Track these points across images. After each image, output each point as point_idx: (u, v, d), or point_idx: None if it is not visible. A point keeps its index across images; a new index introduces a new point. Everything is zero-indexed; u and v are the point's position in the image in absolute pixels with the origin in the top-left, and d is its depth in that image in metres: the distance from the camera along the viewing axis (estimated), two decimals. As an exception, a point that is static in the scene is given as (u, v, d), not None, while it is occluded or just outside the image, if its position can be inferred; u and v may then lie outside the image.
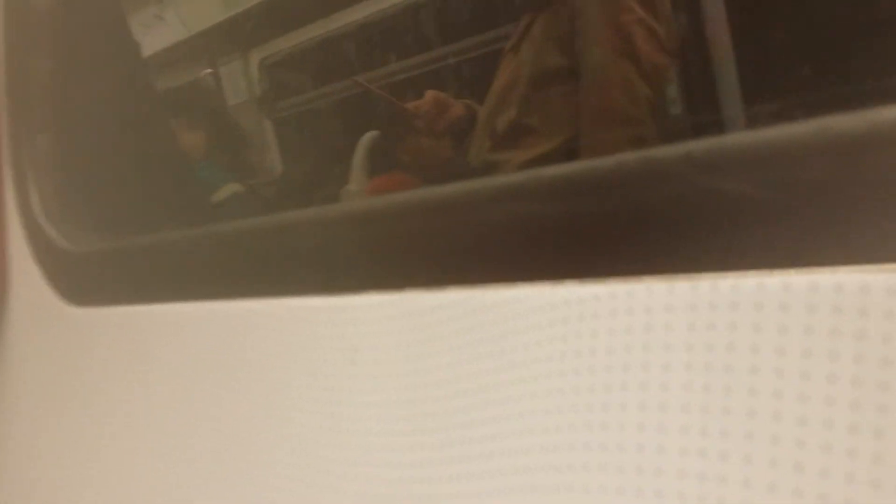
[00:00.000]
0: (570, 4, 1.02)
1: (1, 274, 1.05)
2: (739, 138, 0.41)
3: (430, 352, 0.56)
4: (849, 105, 0.38)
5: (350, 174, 1.40)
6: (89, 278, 0.94)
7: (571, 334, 0.47)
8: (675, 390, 0.43)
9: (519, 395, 0.50)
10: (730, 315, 0.40)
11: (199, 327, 0.79)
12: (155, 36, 2.07)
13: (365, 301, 0.60)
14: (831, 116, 0.38)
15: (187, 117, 1.89)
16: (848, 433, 0.37)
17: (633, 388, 0.44)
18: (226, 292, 0.76)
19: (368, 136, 1.40)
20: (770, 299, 0.39)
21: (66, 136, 1.05)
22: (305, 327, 0.65)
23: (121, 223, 1.03)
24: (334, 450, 0.63)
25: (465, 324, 0.53)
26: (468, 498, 0.52)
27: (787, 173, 0.40)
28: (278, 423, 0.69)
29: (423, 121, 1.17)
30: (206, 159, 1.90)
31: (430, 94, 1.18)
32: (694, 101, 1.06)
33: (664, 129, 1.02)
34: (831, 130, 0.38)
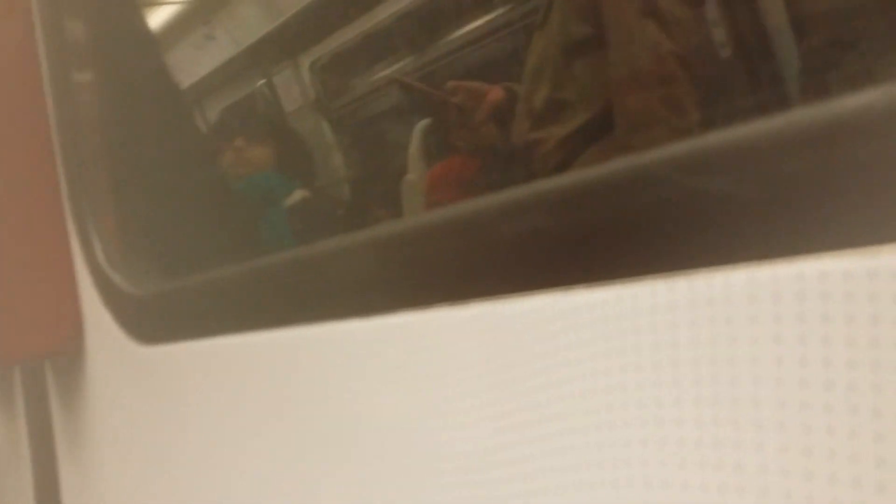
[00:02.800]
0: None
1: (77, 320, 1.11)
2: (717, 137, 0.42)
3: (458, 366, 0.58)
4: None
5: (408, 164, 1.40)
6: (154, 318, 0.99)
7: (585, 339, 0.49)
8: (686, 385, 0.44)
9: (542, 401, 0.52)
10: (726, 309, 0.42)
11: (261, 356, 0.83)
12: (208, 55, 2.13)
13: (399, 320, 0.63)
14: (800, 109, 0.39)
15: (250, 132, 1.94)
16: (849, 414, 0.38)
17: (648, 385, 0.46)
18: (280, 320, 0.80)
19: (422, 125, 1.39)
20: (762, 291, 0.40)
21: (120, 184, 1.11)
22: (348, 348, 0.68)
23: (180, 262, 1.09)
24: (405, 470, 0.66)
25: (485, 338, 0.55)
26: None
27: (766, 168, 0.41)
28: (349, 444, 0.72)
29: (463, 114, 1.18)
30: (272, 170, 1.94)
31: (461, 88, 1.19)
32: (744, 42, 1.01)
33: (713, 76, 0.99)
34: (801, 123, 0.39)
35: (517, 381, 0.54)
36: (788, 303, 0.39)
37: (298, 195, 1.82)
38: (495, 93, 1.17)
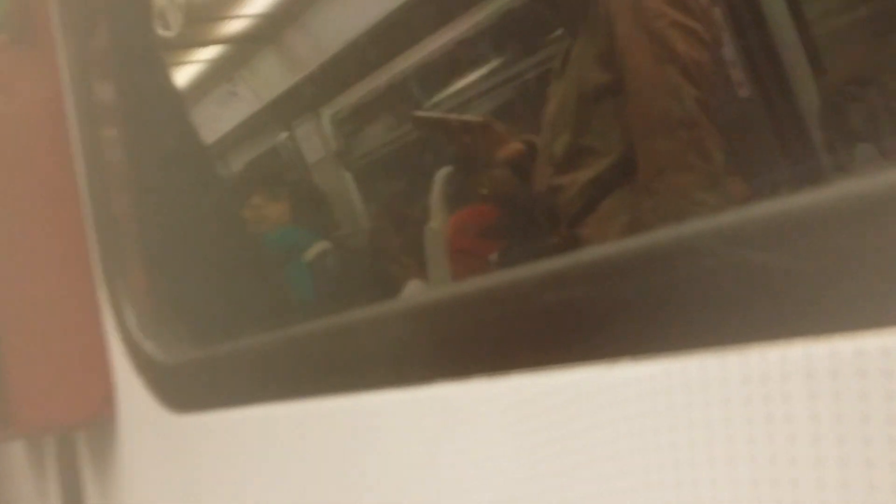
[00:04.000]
0: (604, 21, 1.02)
1: (109, 389, 1.11)
2: (763, 209, 0.41)
3: (498, 439, 0.57)
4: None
5: (430, 212, 1.39)
6: (187, 386, 0.98)
7: (631, 415, 0.47)
8: (741, 464, 0.42)
9: (584, 478, 0.50)
10: (782, 385, 0.40)
11: (292, 427, 0.82)
12: (232, 111, 2.15)
13: (433, 393, 0.61)
14: (850, 180, 0.38)
15: (270, 188, 1.94)
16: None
17: (702, 463, 0.44)
18: (312, 390, 0.79)
19: (444, 172, 1.39)
20: (819, 367, 0.39)
21: (151, 249, 1.11)
22: (384, 420, 0.67)
23: (212, 329, 1.08)
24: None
25: (531, 410, 0.54)
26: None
27: (813, 241, 0.40)
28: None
29: (472, 149, 1.18)
30: (292, 225, 1.93)
31: (477, 124, 1.19)
32: (761, 80, 1.02)
33: (733, 115, 1.00)
34: (853, 193, 0.37)
35: (556, 455, 0.52)
36: (847, 378, 0.38)
37: (318, 248, 1.81)
38: (515, 145, 1.17)
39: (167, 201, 1.13)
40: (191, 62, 2.26)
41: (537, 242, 1.16)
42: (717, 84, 0.99)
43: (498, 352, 0.57)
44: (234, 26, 2.30)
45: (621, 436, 0.47)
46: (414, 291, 1.30)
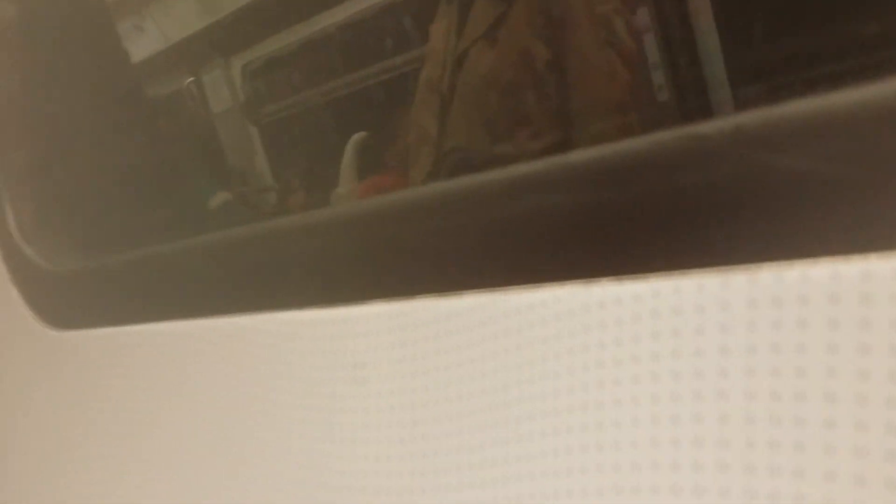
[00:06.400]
0: None
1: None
2: (797, 107, 0.36)
3: (444, 365, 0.50)
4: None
5: (339, 177, 1.36)
6: (71, 300, 0.88)
7: (609, 340, 0.41)
8: (735, 399, 0.37)
9: (547, 410, 0.44)
10: (800, 310, 0.35)
11: (190, 347, 0.74)
12: (135, 47, 2.04)
13: (369, 311, 0.54)
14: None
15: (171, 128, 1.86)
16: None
17: (687, 398, 0.38)
18: (218, 308, 0.71)
19: (357, 138, 1.37)
20: (847, 288, 0.34)
21: (42, 148, 0.99)
22: (304, 343, 0.59)
23: (105, 240, 0.97)
24: (335, 476, 0.57)
25: (484, 332, 0.47)
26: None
27: (854, 143, 0.34)
28: (276, 447, 0.63)
29: None
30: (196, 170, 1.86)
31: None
32: (680, 86, 1.04)
33: (651, 116, 1.02)
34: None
35: (512, 385, 0.46)
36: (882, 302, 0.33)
37: (221, 198, 1.76)
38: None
39: (63, 87, 1.01)
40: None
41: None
42: (643, 78, 0.99)
43: (452, 268, 0.50)
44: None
45: (600, 362, 0.41)
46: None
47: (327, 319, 0.57)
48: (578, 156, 0.41)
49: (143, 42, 2.09)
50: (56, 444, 0.89)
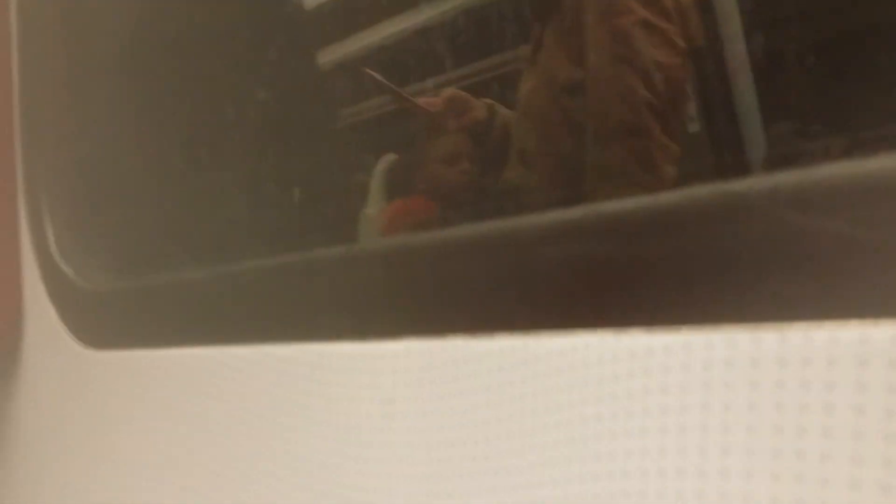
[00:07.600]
0: (573, 11, 0.96)
1: (16, 313, 1.01)
2: (833, 170, 0.36)
3: (473, 405, 0.51)
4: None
5: (368, 198, 1.37)
6: (107, 319, 0.89)
7: (638, 389, 0.42)
8: (762, 456, 0.37)
9: (572, 456, 0.45)
10: (828, 372, 0.35)
11: (222, 373, 0.75)
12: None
13: (401, 347, 0.55)
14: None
15: None
16: None
17: (714, 453, 0.39)
18: (251, 336, 0.72)
19: (386, 160, 1.38)
20: (876, 351, 0.34)
21: (83, 172, 1.01)
22: (336, 376, 0.60)
23: (143, 261, 0.99)
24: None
25: (513, 375, 0.48)
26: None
27: (884, 208, 0.35)
28: (304, 478, 0.64)
29: (435, 119, 1.12)
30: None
31: (447, 92, 1.12)
32: (713, 119, 0.97)
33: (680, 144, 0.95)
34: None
35: (538, 430, 0.47)
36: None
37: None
38: (479, 110, 1.10)
39: (106, 110, 1.03)
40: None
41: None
42: (683, 93, 0.94)
43: (481, 309, 0.51)
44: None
45: (629, 412, 0.42)
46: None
47: (359, 354, 0.58)
48: (613, 206, 0.42)
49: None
50: (86, 462, 0.90)
